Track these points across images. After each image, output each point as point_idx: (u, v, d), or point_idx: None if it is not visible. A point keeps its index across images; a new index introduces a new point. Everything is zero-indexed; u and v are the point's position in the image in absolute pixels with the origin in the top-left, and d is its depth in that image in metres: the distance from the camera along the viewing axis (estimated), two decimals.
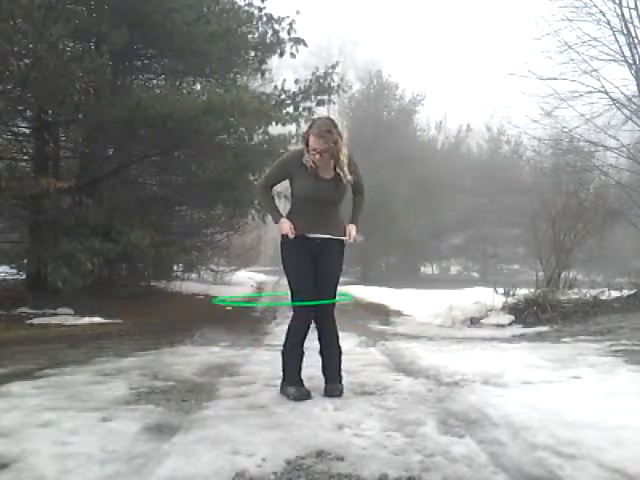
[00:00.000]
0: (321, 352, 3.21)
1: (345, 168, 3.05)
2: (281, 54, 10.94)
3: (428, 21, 60.96)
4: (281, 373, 3.15)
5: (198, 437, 2.35)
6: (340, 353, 3.22)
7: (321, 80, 10.89)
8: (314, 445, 2.24)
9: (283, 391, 3.08)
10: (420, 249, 27.56)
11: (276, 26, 10.78)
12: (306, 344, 3.16)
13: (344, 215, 3.26)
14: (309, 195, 3.08)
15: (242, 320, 9.78)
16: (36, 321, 7.91)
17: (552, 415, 2.60)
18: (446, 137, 30.95)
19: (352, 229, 3.18)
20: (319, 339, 3.20)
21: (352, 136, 23.54)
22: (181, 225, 13.88)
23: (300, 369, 3.12)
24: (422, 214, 26.71)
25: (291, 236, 3.03)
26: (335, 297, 3.16)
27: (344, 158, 3.04)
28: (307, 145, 3.02)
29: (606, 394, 3.02)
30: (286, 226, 3.04)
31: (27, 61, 7.80)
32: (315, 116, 11.45)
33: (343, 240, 3.18)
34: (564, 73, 10.76)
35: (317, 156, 2.98)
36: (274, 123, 10.09)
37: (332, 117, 3.43)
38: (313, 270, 3.09)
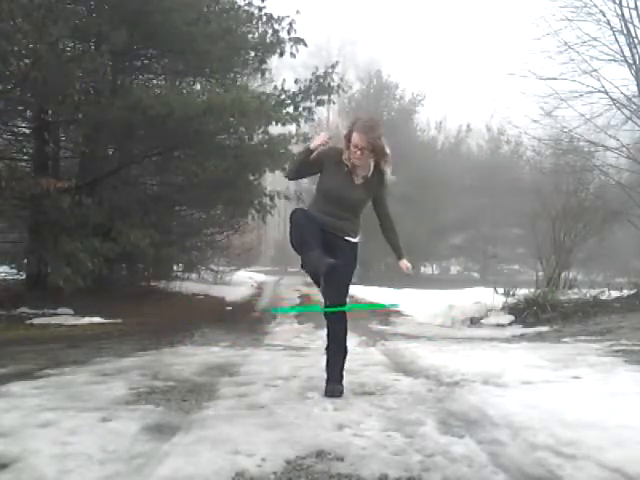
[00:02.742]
0: (327, 348, 3.19)
1: (388, 165, 3.05)
2: (281, 54, 10.93)
3: (428, 21, 60.99)
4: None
5: (198, 437, 2.34)
6: (345, 354, 3.21)
7: (321, 80, 10.88)
8: (314, 445, 2.23)
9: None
10: (420, 249, 27.46)
11: (276, 26, 10.78)
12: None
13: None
14: (334, 193, 3.06)
15: (242, 320, 9.78)
16: (36, 321, 7.91)
17: (552, 415, 2.60)
18: (446, 137, 30.85)
19: (406, 262, 3.23)
20: (328, 335, 3.18)
21: None
22: (181, 225, 13.87)
23: (319, 238, 2.94)
24: (422, 214, 26.62)
25: (324, 139, 3.03)
26: (345, 297, 3.14)
27: (388, 152, 3.03)
28: (348, 141, 3.00)
29: (606, 394, 3.02)
30: (321, 135, 3.08)
31: (27, 61, 7.80)
32: (315, 116, 11.49)
33: (355, 242, 3.17)
34: (564, 73, 10.72)
35: (358, 153, 2.95)
36: (274, 123, 10.09)
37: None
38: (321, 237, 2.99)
